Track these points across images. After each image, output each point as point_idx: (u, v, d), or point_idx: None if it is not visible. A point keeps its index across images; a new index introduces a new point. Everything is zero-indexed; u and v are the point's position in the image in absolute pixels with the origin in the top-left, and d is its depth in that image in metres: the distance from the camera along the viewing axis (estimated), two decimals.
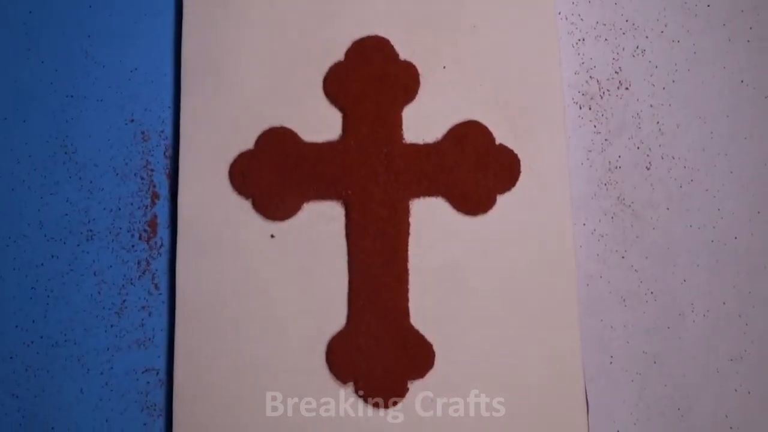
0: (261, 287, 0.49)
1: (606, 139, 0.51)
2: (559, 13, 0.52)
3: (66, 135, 0.51)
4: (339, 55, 0.51)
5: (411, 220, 0.49)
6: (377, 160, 0.50)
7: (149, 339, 0.50)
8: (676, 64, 0.51)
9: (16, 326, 0.50)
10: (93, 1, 0.53)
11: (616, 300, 0.49)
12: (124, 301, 0.50)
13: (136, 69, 0.52)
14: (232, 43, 0.51)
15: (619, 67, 0.52)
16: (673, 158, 0.51)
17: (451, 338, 0.48)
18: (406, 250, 0.49)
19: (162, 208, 0.51)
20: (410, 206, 0.50)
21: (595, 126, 0.51)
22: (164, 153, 0.52)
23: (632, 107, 0.51)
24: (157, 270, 0.50)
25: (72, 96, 0.51)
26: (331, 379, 0.48)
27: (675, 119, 0.51)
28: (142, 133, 0.51)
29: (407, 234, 0.49)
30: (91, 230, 0.50)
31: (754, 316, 0.49)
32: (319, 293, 0.49)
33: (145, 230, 0.51)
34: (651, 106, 0.51)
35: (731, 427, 0.48)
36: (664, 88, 0.51)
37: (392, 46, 0.51)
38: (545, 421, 0.47)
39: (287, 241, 0.49)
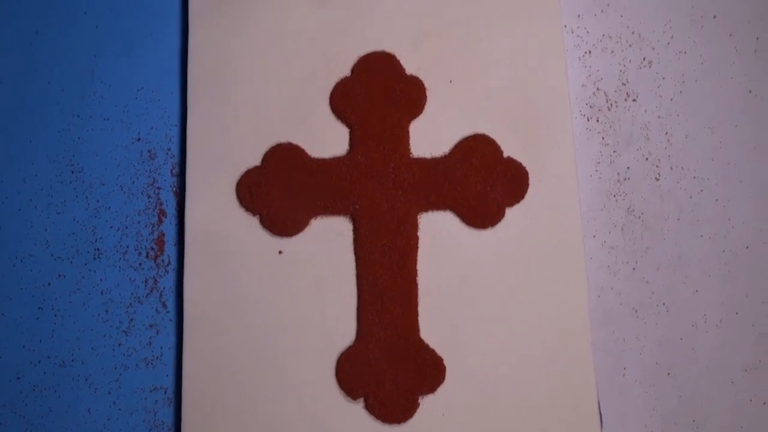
0: (269, 304, 0.57)
1: (614, 151, 0.61)
2: (565, 26, 0.62)
3: (73, 154, 0.61)
4: (345, 70, 0.60)
5: (419, 233, 0.58)
6: (385, 175, 0.58)
7: (157, 357, 0.59)
8: (683, 75, 0.61)
9: (23, 346, 0.59)
10: (99, 21, 0.62)
11: (628, 312, 0.59)
12: (131, 319, 0.59)
13: (142, 88, 0.62)
14: (238, 61, 0.61)
15: (627, 79, 0.61)
16: (682, 169, 0.60)
17: (462, 352, 0.57)
18: (415, 264, 0.58)
19: (169, 226, 0.60)
20: (418, 220, 0.58)
21: (603, 138, 0.61)
22: (171, 171, 0.61)
23: (640, 119, 0.61)
24: (164, 288, 0.59)
25: (78, 115, 0.62)
26: (341, 394, 0.56)
27: (683, 130, 0.61)
28: (149, 151, 0.61)
29: (416, 248, 0.58)
30: (98, 249, 0.60)
31: None
32: (328, 308, 0.57)
33: (152, 248, 0.60)
34: (659, 117, 0.61)
35: None
36: (671, 100, 0.61)
37: (398, 61, 0.60)
38: None
39: (296, 257, 0.58)
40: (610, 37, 0.62)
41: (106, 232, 0.60)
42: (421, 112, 0.60)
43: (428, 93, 0.60)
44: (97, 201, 0.61)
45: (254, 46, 0.61)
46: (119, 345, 0.59)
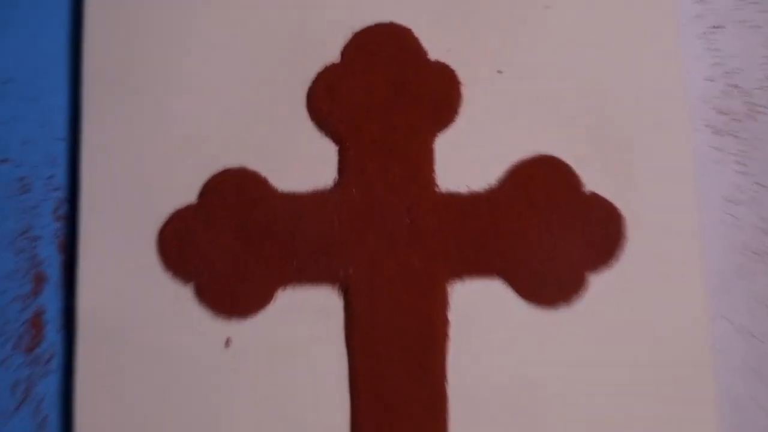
0: (210, 422, 0.50)
1: (758, 183, 0.54)
2: None
3: None
4: (332, 53, 0.53)
5: (450, 314, 0.50)
6: (395, 220, 0.51)
7: None
8: None
9: None
10: None
11: None
12: None
13: (10, 80, 0.55)
14: (162, 40, 0.54)
15: None
16: None
17: None
18: (444, 361, 0.50)
19: (51, 299, 0.53)
20: (449, 292, 0.51)
21: (741, 164, 0.54)
22: (54, 212, 0.54)
23: None
24: (44, 396, 0.52)
25: None
26: None
27: None
28: (21, 179, 0.54)
29: (445, 336, 0.50)
30: None
31: None
32: (305, 430, 0.50)
33: (24, 334, 0.53)
34: None
35: None
36: None
37: (417, 40, 0.53)
38: None
39: (252, 351, 0.50)
40: (754, 3, 0.55)
41: None
42: (453, 120, 0.52)
43: (464, 90, 0.53)
44: None
45: (190, 17, 0.55)
46: None
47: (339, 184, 0.52)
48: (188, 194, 0.52)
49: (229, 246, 0.52)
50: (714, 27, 0.55)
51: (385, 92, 0.53)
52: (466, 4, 0.54)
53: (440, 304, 0.51)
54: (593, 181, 0.52)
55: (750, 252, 0.53)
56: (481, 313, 0.51)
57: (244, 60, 0.54)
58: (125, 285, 0.51)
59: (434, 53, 0.53)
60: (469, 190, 0.52)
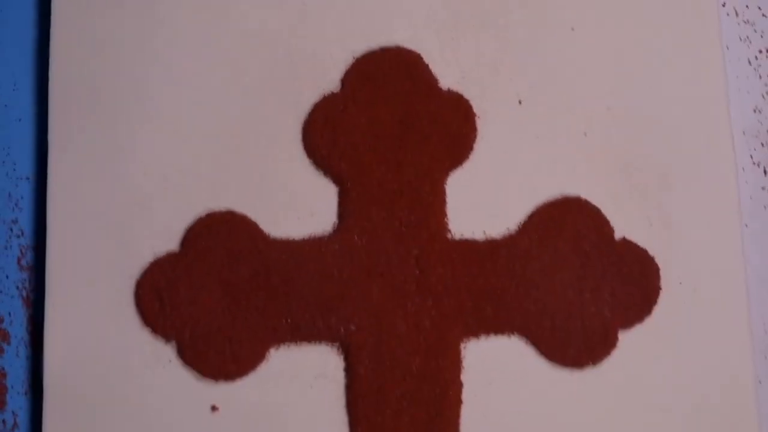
0: None
1: None
2: (724, 5, 0.54)
3: None
4: (331, 81, 0.52)
5: (464, 376, 0.49)
6: (402, 271, 0.50)
7: None
8: None
9: None
10: None
11: None
12: None
13: None
14: (139, 66, 0.53)
15: None
16: None
17: None
18: (457, 430, 0.48)
19: (13, 362, 0.51)
20: (462, 351, 0.49)
21: None
22: (18, 261, 0.52)
23: None
24: None
25: None
26: None
27: None
28: None
29: (458, 401, 0.49)
30: None
31: None
32: None
33: None
34: None
35: None
36: None
37: (427, 66, 0.52)
38: None
39: (240, 418, 0.49)
40: None
41: None
42: (468, 158, 0.51)
43: (479, 122, 0.51)
44: None
45: (172, 37, 0.54)
46: None
47: (339, 229, 0.51)
48: (169, 241, 0.51)
49: (215, 300, 0.50)
50: (762, 52, 0.54)
51: (391, 126, 0.51)
52: (483, 25, 0.53)
53: (453, 365, 0.49)
54: (625, 226, 0.50)
55: None
56: (498, 374, 0.50)
57: (231, 89, 0.53)
58: (99, 344, 0.50)
59: (446, 81, 0.52)
60: (485, 237, 0.51)
